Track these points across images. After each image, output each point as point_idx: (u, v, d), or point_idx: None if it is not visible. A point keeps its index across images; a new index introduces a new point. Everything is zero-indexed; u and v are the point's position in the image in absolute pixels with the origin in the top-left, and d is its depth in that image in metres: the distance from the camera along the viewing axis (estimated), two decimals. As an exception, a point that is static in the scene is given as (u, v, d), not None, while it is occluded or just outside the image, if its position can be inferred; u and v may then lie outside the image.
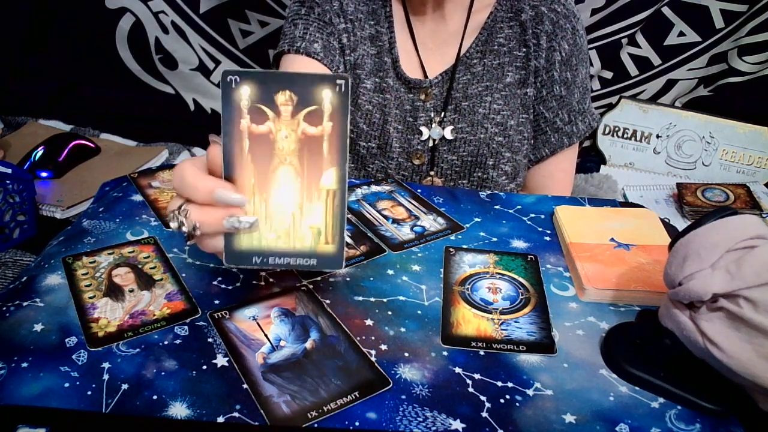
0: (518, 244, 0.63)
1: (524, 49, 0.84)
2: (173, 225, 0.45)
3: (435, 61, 0.86)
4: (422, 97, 0.85)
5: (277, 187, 0.46)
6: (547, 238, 0.64)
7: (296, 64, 0.80)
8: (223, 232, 0.45)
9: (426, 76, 0.85)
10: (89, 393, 0.43)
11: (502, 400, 0.44)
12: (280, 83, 0.44)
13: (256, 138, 0.45)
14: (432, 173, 0.86)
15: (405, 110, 0.86)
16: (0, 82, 1.46)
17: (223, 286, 0.54)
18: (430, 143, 0.85)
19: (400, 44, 0.86)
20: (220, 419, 0.41)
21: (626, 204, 0.73)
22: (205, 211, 0.44)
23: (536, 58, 0.83)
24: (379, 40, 0.86)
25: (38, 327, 0.48)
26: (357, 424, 0.41)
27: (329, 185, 0.46)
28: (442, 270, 0.58)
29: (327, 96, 0.44)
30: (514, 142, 0.85)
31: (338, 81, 0.44)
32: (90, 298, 0.52)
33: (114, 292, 0.53)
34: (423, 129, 0.85)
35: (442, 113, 0.85)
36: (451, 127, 0.84)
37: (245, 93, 0.44)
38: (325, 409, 0.42)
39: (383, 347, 0.48)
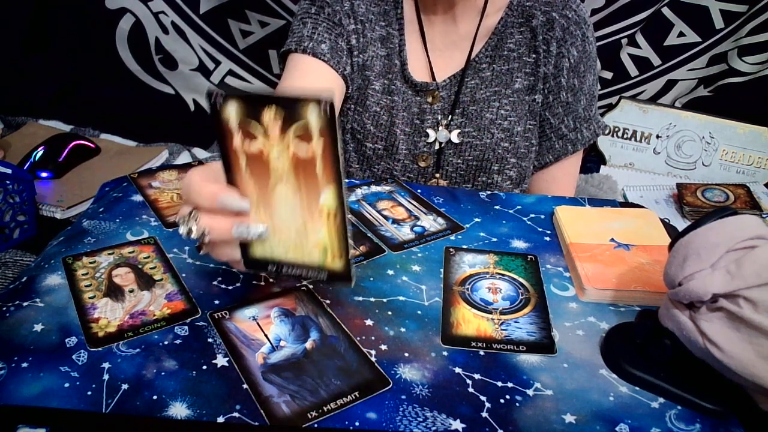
0: (518, 244, 0.63)
1: (534, 55, 0.83)
2: (182, 230, 0.45)
3: (444, 64, 0.85)
4: (429, 99, 0.85)
5: (278, 205, 0.46)
6: (547, 238, 0.64)
7: (303, 63, 0.80)
8: (232, 241, 0.46)
9: (434, 79, 0.85)
10: (89, 393, 0.43)
11: (502, 400, 0.44)
12: (265, 102, 0.43)
13: (251, 157, 0.44)
14: (437, 175, 0.86)
15: (412, 112, 0.85)
16: (0, 82, 1.46)
17: (223, 286, 0.54)
18: (437, 146, 0.85)
19: (410, 46, 0.85)
20: (220, 419, 0.41)
21: (626, 204, 0.73)
22: (214, 218, 0.45)
23: (545, 64, 0.83)
24: (390, 41, 0.85)
25: (38, 327, 0.48)
26: (357, 424, 0.41)
27: (328, 205, 0.45)
28: (442, 270, 0.58)
29: (314, 111, 0.44)
30: (520, 149, 0.84)
31: (322, 98, 0.43)
32: (90, 298, 0.52)
33: (114, 292, 0.53)
34: (430, 131, 0.85)
35: (449, 116, 0.84)
36: (458, 130, 0.84)
37: (232, 111, 0.43)
38: (325, 409, 0.42)
39: (383, 347, 0.48)
